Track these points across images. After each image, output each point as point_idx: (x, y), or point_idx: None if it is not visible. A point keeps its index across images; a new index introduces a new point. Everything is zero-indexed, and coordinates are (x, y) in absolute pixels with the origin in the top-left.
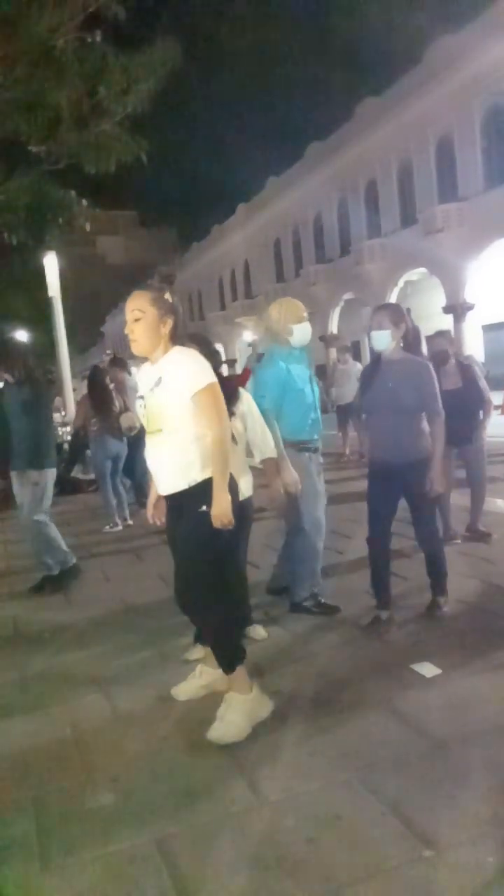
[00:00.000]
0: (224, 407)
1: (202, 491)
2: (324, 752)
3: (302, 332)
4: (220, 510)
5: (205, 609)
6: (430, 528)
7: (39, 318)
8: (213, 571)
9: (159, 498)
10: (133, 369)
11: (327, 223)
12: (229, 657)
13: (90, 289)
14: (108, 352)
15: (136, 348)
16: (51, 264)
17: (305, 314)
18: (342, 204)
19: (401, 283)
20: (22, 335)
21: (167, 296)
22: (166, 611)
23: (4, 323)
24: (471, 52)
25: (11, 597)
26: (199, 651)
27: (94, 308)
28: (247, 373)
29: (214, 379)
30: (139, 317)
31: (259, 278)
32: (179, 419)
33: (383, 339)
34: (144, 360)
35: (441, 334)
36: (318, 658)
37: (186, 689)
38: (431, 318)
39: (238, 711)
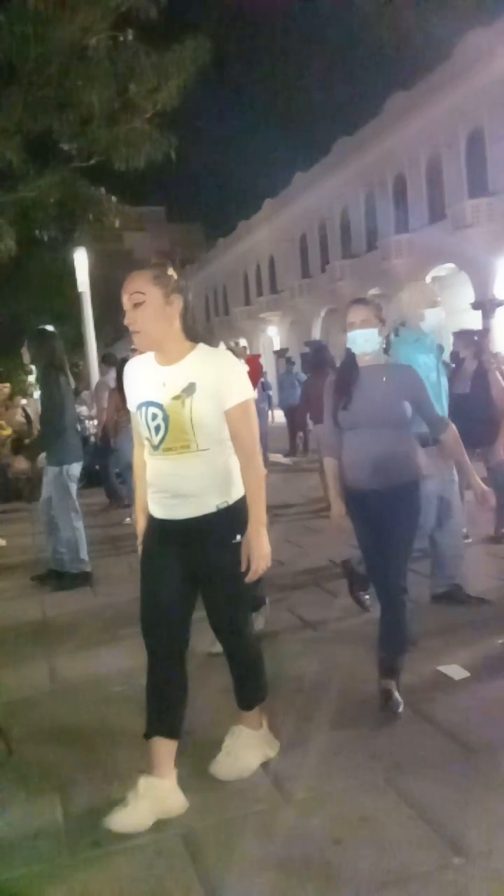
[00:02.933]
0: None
1: (233, 515)
2: (350, 752)
3: (434, 317)
4: (264, 551)
5: (250, 642)
6: (399, 579)
7: (69, 313)
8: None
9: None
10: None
11: (354, 218)
12: (253, 693)
13: (117, 284)
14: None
15: (141, 341)
16: (80, 260)
17: (439, 298)
18: (369, 199)
19: (428, 279)
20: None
21: (171, 271)
22: None
23: (35, 317)
24: (502, 46)
25: (39, 588)
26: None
27: (120, 303)
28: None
29: (253, 392)
30: (140, 300)
31: (284, 274)
32: (217, 434)
33: (372, 340)
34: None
35: (461, 335)
36: (343, 656)
37: (126, 820)
38: (460, 314)
39: (247, 746)
